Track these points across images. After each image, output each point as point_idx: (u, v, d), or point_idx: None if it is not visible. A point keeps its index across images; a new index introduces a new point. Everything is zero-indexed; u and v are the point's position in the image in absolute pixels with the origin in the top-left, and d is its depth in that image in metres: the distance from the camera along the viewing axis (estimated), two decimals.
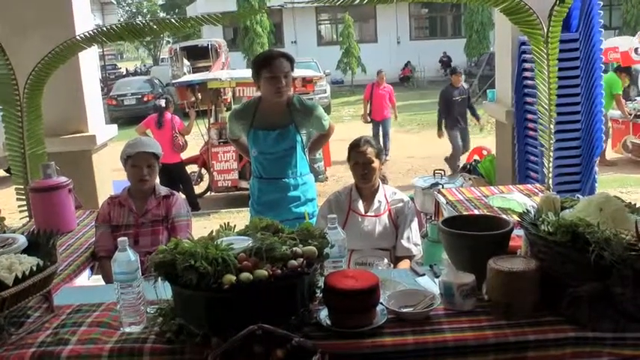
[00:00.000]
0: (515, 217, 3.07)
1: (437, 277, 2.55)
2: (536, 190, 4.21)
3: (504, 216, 3.32)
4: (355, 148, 3.55)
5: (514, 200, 3.78)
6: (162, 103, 9.25)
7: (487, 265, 2.18)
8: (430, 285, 2.51)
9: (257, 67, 3.75)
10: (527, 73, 5.22)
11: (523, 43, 5.19)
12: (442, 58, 29.05)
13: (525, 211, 2.44)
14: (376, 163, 3.52)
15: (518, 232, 2.51)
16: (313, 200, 4.02)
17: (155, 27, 3.80)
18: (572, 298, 2.06)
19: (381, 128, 12.30)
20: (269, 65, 3.69)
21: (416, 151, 12.70)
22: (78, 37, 3.90)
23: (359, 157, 3.51)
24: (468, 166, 7.88)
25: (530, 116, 5.23)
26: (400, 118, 16.60)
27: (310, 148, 4.11)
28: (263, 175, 3.94)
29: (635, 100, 11.23)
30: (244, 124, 3.93)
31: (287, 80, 3.72)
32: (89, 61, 5.30)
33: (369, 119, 12.53)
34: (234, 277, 1.95)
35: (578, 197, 2.59)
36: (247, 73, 11.37)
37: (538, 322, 2.10)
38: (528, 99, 5.23)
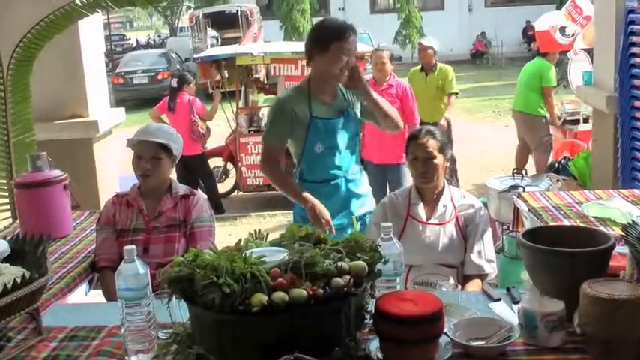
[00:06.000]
0: (618, 231, 3.02)
1: (515, 302, 2.52)
2: None
3: (603, 228, 3.26)
4: (414, 140, 3.54)
5: (616, 209, 3.70)
6: (174, 82, 9.34)
7: (580, 289, 2.14)
8: (507, 312, 2.49)
9: (327, 38, 3.77)
10: (635, 49, 5.13)
11: (631, 11, 5.09)
12: (525, 29, 28.72)
13: (631, 222, 2.39)
14: (439, 159, 3.50)
15: (621, 249, 2.47)
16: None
17: None
18: None
19: (388, 179, 7.38)
20: (344, 40, 3.73)
21: (490, 144, 12.56)
22: (77, 2, 3.95)
23: (418, 151, 3.50)
24: (557, 165, 7.76)
25: (638, 103, 5.14)
26: (470, 105, 16.41)
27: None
28: (328, 176, 3.95)
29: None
30: (302, 113, 3.87)
31: (354, 61, 3.81)
32: (91, 30, 5.38)
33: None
34: (265, 297, 1.95)
35: None
36: (284, 47, 11.42)
37: None
38: (636, 82, 5.14)
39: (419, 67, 8.80)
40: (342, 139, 3.91)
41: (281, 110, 3.92)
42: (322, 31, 3.83)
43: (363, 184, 4.10)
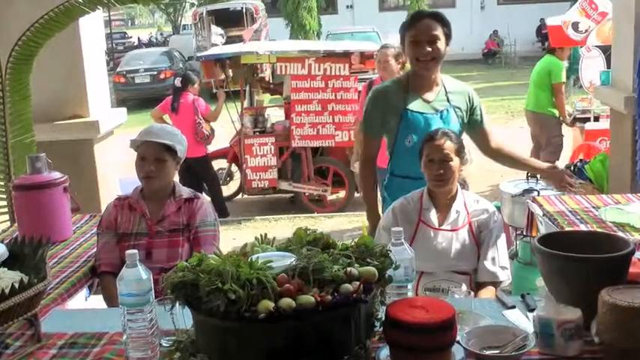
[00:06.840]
0: (637, 236, 3.01)
1: (530, 310, 2.52)
2: None
3: (621, 234, 3.25)
4: (430, 141, 3.53)
5: (635, 213, 3.69)
6: (178, 82, 9.35)
7: (599, 297, 2.13)
8: (521, 320, 2.49)
9: (402, 30, 3.93)
10: None
11: None
12: (539, 27, 28.70)
13: None
14: (455, 162, 3.48)
15: None
16: None
17: None
18: None
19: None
20: (412, 27, 3.85)
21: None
22: None
23: (433, 153, 3.49)
24: (573, 168, 7.73)
25: None
26: (483, 105, 16.43)
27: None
28: (420, 174, 3.94)
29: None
30: (396, 104, 3.93)
31: (435, 47, 3.84)
32: (92, 28, 5.39)
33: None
34: (272, 304, 1.95)
35: None
36: (290, 45, 11.40)
37: None
38: None
39: None
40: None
41: (376, 99, 4.02)
42: (401, 26, 3.97)
43: None
